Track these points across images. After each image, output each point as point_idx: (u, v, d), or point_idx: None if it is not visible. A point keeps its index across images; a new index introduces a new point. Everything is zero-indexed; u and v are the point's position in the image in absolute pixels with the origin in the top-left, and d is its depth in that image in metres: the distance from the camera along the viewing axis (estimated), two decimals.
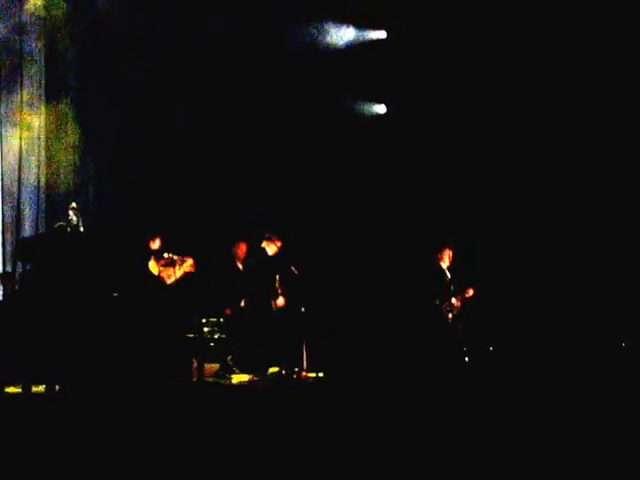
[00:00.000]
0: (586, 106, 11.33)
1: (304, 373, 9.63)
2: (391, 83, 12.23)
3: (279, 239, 9.91)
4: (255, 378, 9.44)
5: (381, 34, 12.49)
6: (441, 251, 10.64)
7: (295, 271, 9.79)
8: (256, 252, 9.95)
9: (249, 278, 9.87)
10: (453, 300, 10.46)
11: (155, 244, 9.54)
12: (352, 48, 12.28)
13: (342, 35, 12.24)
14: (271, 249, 9.90)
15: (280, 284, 9.93)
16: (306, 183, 11.74)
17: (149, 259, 9.43)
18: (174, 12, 11.18)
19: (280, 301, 9.89)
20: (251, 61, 11.44)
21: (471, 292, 10.55)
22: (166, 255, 9.39)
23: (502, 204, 11.75)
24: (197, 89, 11.35)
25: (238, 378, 9.47)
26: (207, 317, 9.75)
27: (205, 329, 9.71)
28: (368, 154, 11.94)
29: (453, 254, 10.64)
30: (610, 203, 11.26)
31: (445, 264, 10.63)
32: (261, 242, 9.93)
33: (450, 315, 10.42)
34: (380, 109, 12.63)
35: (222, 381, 9.34)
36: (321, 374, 9.56)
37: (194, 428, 6.42)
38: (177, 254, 9.40)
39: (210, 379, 9.32)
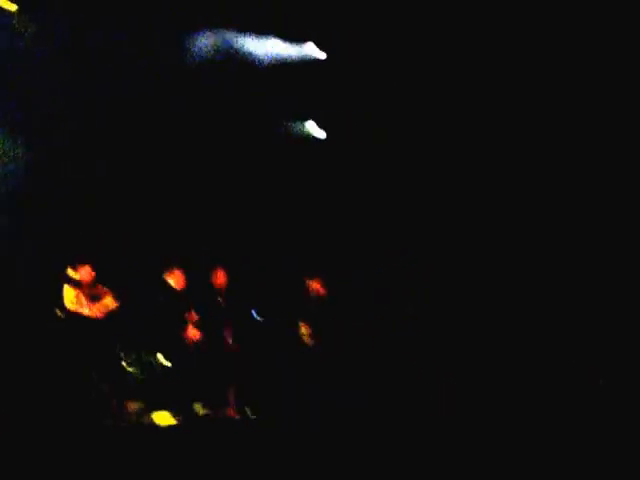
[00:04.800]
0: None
1: (231, 410, 9.42)
2: (328, 103, 12.15)
3: (181, 269, 9.73)
4: (179, 416, 9.16)
5: (309, 48, 12.38)
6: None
7: (223, 302, 9.63)
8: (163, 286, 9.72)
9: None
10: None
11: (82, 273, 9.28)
12: (288, 65, 12.14)
13: (278, 51, 12.09)
14: (177, 282, 9.69)
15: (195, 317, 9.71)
16: (235, 207, 11.58)
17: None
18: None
19: (192, 335, 9.66)
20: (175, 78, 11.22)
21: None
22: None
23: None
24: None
25: (160, 416, 9.19)
26: (128, 352, 9.47)
27: (125, 364, 9.45)
28: (302, 175, 11.85)
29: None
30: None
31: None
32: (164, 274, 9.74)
33: None
34: (319, 133, 12.51)
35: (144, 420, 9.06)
36: (249, 412, 9.38)
37: (114, 473, 6.24)
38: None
39: (131, 419, 9.03)
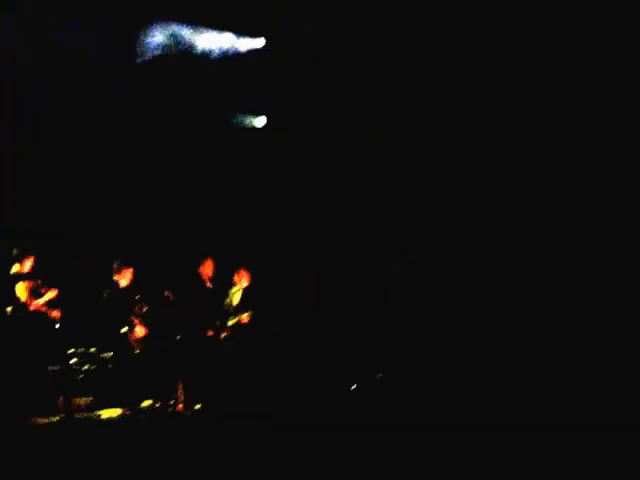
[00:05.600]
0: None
1: (180, 406, 9.39)
2: (270, 94, 12.12)
3: (129, 267, 9.72)
4: (127, 412, 9.13)
5: (259, 42, 12.31)
6: None
7: (171, 296, 9.59)
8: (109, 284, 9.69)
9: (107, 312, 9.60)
10: None
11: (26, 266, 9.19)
12: (229, 56, 12.07)
13: (218, 43, 12.01)
14: (124, 279, 9.67)
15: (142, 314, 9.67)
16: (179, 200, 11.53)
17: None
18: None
19: (139, 332, 9.62)
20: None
21: None
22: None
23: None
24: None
25: (109, 412, 9.14)
26: (76, 347, 9.40)
27: (73, 360, 9.38)
28: (246, 168, 11.81)
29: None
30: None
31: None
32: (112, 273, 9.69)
33: None
34: (259, 121, 12.46)
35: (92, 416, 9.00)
36: (198, 406, 9.36)
37: (61, 469, 6.20)
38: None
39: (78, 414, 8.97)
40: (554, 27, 11.08)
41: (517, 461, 4.21)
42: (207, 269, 10.05)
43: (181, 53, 11.66)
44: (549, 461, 3.78)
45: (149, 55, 11.39)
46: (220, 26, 11.88)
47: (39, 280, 9.14)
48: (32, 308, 9.13)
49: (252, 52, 12.13)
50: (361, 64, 11.76)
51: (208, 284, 10.03)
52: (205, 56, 11.84)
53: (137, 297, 9.64)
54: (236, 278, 10.21)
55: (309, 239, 11.64)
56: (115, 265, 9.72)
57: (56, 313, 9.25)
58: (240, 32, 12.09)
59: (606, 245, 10.84)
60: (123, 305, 9.53)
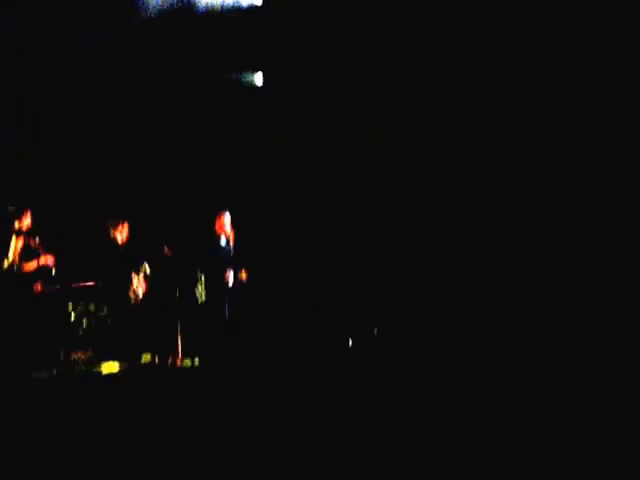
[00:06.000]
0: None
1: (179, 360, 9.52)
2: (268, 51, 12.08)
3: (123, 222, 9.73)
4: (127, 366, 9.24)
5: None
6: None
7: (169, 252, 9.64)
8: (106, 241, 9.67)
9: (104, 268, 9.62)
10: None
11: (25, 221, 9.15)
12: (229, 11, 12.01)
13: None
14: (121, 235, 9.71)
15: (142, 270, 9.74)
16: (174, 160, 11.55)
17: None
18: None
19: (138, 287, 9.70)
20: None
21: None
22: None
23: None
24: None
25: (109, 367, 9.24)
26: (76, 303, 9.47)
27: (73, 315, 9.45)
28: (244, 126, 11.81)
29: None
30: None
31: None
32: (107, 230, 9.69)
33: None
34: (257, 79, 12.41)
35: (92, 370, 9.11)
36: (197, 361, 9.49)
37: (62, 420, 6.28)
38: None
39: (78, 369, 9.09)
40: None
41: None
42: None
43: (183, 7, 11.65)
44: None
45: (151, 10, 11.38)
46: None
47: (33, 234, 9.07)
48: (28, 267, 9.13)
49: (251, 8, 12.11)
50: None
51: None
52: (207, 11, 11.81)
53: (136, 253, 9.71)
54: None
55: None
56: (110, 221, 9.70)
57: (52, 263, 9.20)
58: None
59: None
60: (122, 261, 9.59)
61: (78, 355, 9.44)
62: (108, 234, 9.68)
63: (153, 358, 9.58)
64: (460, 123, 11.67)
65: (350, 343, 10.36)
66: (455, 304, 10.76)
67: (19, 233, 9.11)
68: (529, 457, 3.97)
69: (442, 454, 4.01)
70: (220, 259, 9.88)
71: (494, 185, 11.56)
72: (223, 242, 9.95)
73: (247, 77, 12.30)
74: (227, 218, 9.99)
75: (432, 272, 11.28)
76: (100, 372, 9.10)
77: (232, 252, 10.04)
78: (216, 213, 10.03)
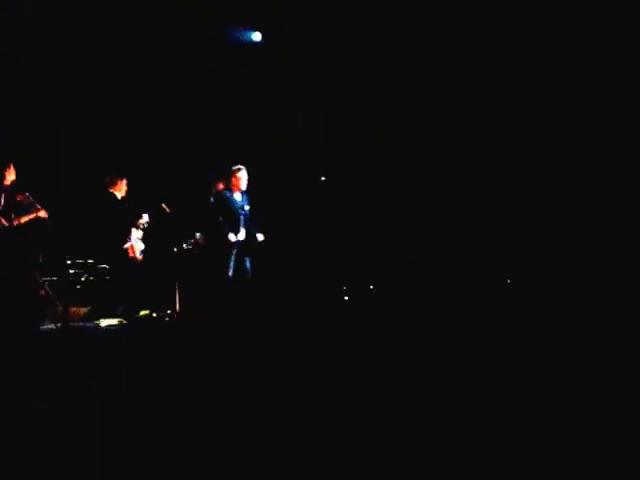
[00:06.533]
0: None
1: (176, 316, 9.64)
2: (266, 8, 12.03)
3: (122, 178, 9.74)
4: (125, 321, 9.35)
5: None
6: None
7: (167, 209, 9.71)
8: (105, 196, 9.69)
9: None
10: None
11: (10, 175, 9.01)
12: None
13: None
14: (119, 191, 9.72)
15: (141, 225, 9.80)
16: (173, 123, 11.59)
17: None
18: None
19: (138, 243, 9.78)
20: None
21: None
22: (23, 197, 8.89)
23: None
24: None
25: (107, 322, 9.36)
26: (73, 258, 9.56)
27: (71, 271, 9.54)
28: (242, 84, 11.82)
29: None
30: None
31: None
32: (105, 186, 9.70)
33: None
34: (256, 36, 12.36)
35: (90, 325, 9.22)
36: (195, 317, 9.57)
37: (61, 374, 6.36)
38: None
39: (77, 323, 9.17)
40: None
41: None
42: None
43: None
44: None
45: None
46: None
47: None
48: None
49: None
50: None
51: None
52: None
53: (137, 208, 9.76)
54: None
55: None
56: (108, 178, 9.73)
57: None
58: None
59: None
60: (121, 216, 9.65)
61: (77, 310, 9.57)
62: (107, 190, 9.76)
63: (151, 314, 9.69)
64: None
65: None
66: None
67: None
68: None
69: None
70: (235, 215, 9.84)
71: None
72: (239, 197, 9.86)
73: (247, 34, 12.28)
74: (244, 174, 9.86)
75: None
76: (99, 327, 9.22)
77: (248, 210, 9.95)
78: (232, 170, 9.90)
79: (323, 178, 10.39)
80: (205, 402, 4.97)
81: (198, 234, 10.21)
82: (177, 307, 9.71)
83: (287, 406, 4.89)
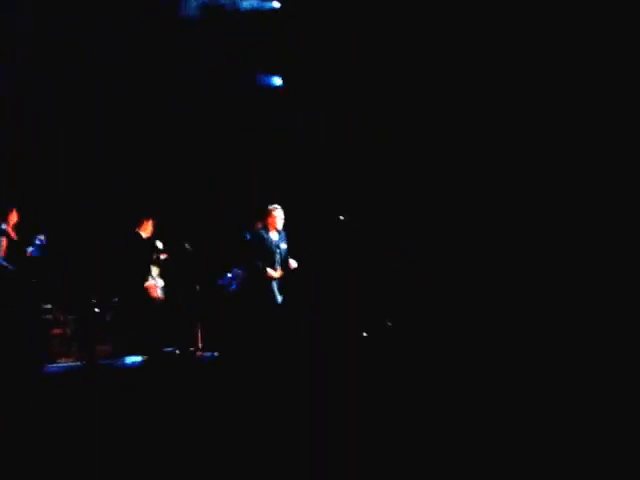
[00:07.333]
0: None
1: (199, 352, 9.72)
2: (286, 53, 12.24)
3: (149, 219, 9.93)
4: (148, 359, 9.46)
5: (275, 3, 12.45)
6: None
7: (190, 248, 9.85)
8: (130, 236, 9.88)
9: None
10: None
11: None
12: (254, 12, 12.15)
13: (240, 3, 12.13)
14: (145, 231, 9.92)
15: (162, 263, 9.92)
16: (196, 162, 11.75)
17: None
18: None
19: (159, 281, 9.92)
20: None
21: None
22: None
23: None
24: None
25: (130, 359, 9.47)
26: (99, 298, 9.71)
27: (96, 310, 9.69)
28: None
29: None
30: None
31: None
32: (135, 226, 9.90)
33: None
34: (277, 81, 12.56)
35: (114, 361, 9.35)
36: (217, 353, 9.66)
37: (88, 411, 6.45)
38: None
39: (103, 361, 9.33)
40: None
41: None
42: None
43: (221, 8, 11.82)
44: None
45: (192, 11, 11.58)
46: None
47: None
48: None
49: (272, 10, 12.28)
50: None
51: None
52: (237, 12, 11.97)
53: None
54: None
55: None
56: (139, 218, 9.93)
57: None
58: None
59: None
60: (145, 255, 9.82)
61: (100, 347, 9.69)
62: (132, 230, 9.95)
63: (174, 350, 9.79)
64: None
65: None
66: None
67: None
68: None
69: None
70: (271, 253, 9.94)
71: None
72: (275, 236, 9.94)
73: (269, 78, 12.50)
74: (280, 213, 9.98)
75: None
76: (123, 365, 9.34)
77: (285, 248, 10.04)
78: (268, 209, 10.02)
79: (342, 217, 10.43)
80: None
81: (239, 271, 10.35)
82: (200, 343, 9.80)
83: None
